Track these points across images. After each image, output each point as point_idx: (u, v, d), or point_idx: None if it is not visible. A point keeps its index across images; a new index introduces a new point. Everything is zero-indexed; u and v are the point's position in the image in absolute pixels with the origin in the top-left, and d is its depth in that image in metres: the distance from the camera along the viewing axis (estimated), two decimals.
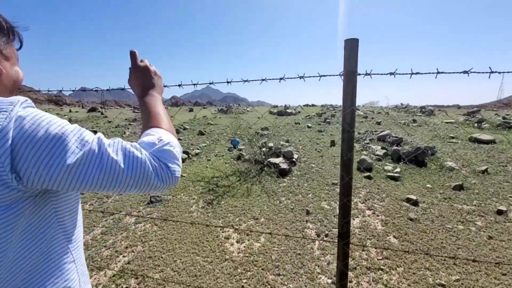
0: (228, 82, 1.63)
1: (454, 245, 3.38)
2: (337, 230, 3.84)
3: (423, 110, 15.04)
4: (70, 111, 20.71)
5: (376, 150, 7.01)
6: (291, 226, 3.87)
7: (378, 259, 3.12)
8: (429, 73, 1.34)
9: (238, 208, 4.41)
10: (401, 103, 18.83)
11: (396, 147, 6.77)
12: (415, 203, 4.47)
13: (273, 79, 1.55)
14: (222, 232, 3.73)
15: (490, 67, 1.29)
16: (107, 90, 1.88)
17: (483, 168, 5.94)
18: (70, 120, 14.47)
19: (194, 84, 1.68)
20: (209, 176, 5.93)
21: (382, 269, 2.94)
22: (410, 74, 1.38)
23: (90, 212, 4.39)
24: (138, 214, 4.30)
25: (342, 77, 1.34)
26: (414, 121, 11.74)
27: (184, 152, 7.51)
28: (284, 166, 6.08)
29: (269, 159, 6.39)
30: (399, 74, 1.40)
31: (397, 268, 2.96)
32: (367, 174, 5.78)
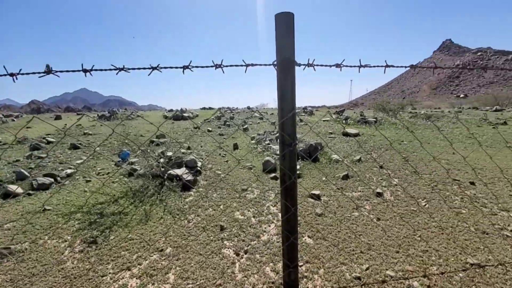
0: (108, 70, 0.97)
1: (356, 232, 3.70)
2: (255, 242, 3.58)
3: (305, 110, 17.37)
4: None
5: (277, 150, 7.31)
6: (205, 250, 3.31)
7: (299, 266, 3.01)
8: (377, 66, 1.14)
9: (135, 241, 3.48)
10: None
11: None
12: (318, 197, 4.78)
13: (175, 67, 1.01)
14: (114, 281, 2.78)
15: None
16: None
17: (357, 157, 7.13)
18: None
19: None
20: (90, 204, 4.55)
21: (306, 277, 2.83)
22: (358, 66, 1.14)
23: None
24: None
25: (276, 67, 0.95)
26: (301, 120, 13.28)
27: (47, 174, 5.59)
28: (188, 177, 5.40)
29: (169, 171, 5.55)
30: (347, 66, 1.14)
31: (318, 271, 2.92)
32: (272, 175, 5.87)
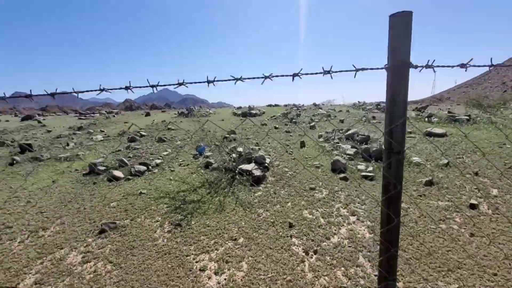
0: (208, 82, 1.10)
1: (443, 247, 3.25)
2: (325, 243, 3.51)
3: (379, 107, 15.92)
4: None
5: (347, 150, 6.95)
6: (274, 244, 3.42)
7: (374, 275, 2.83)
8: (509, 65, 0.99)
9: (212, 228, 3.83)
10: (358, 101, 19.84)
11: (365, 145, 6.78)
12: None
13: (285, 75, 1.06)
14: (196, 262, 3.13)
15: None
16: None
17: (444, 162, 6.20)
18: None
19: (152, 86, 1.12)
20: (174, 191, 5.21)
21: None
22: (488, 66, 1.01)
23: (21, 252, 3.42)
24: (86, 249, 3.45)
25: (387, 71, 0.91)
26: (374, 117, 12.25)
27: (142, 163, 6.61)
28: (257, 173, 5.62)
29: (240, 166, 5.88)
30: (475, 66, 1.02)
31: (398, 285, 2.69)
32: (342, 175, 5.62)
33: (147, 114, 18.02)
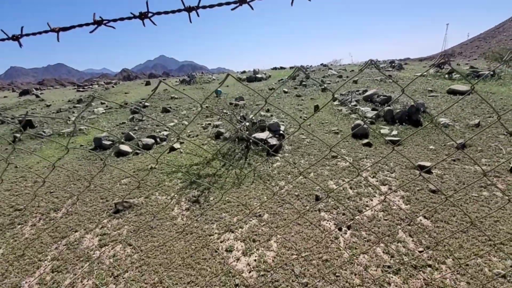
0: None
1: (490, 218, 2.95)
2: (357, 217, 3.25)
3: (393, 65, 14.90)
4: None
5: (366, 112, 6.46)
6: (303, 219, 3.15)
7: (419, 252, 2.57)
8: None
9: (233, 204, 3.56)
10: (370, 59, 18.51)
11: (388, 107, 6.26)
12: (427, 170, 4.01)
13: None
14: (221, 242, 2.90)
15: None
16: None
17: (475, 121, 5.71)
18: None
19: None
20: (187, 164, 4.91)
21: (430, 266, 2.39)
22: None
23: (33, 237, 3.23)
24: (102, 231, 3.24)
25: None
26: (390, 76, 11.44)
27: (149, 136, 6.26)
28: (273, 141, 5.25)
29: (254, 135, 5.50)
30: None
31: (446, 261, 2.43)
32: (365, 141, 5.21)
33: (147, 83, 17.27)
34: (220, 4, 0.62)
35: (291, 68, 18.90)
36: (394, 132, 5.45)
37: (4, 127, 8.82)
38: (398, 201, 3.39)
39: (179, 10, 0.62)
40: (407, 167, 4.19)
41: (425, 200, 3.31)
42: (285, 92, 10.40)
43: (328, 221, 3.11)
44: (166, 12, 0.63)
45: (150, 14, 0.62)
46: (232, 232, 3.04)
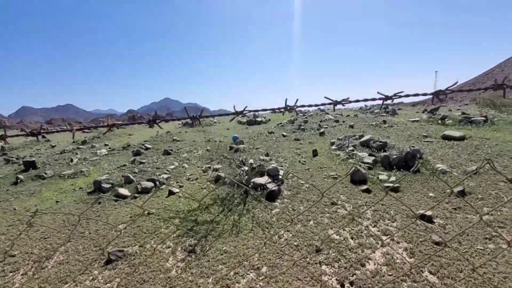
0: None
1: (498, 274, 2.83)
2: (360, 271, 3.09)
3: (387, 110, 15.51)
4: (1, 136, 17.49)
5: (364, 158, 6.56)
6: (303, 274, 3.02)
7: None
8: None
9: (230, 255, 3.44)
10: (365, 105, 19.41)
11: (384, 153, 6.38)
12: (429, 219, 3.95)
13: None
14: None
15: None
16: None
17: (473, 168, 5.78)
18: (2, 148, 11.97)
19: None
20: (185, 210, 4.84)
21: None
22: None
23: (23, 287, 3.06)
24: (92, 284, 3.08)
25: None
26: (384, 122, 11.84)
27: (149, 179, 6.27)
28: (272, 186, 5.24)
29: (253, 180, 5.51)
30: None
31: None
32: (364, 187, 5.21)
33: (150, 126, 17.73)
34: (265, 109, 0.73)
35: (289, 111, 19.59)
36: (393, 178, 5.48)
37: (9, 167, 8.88)
38: (402, 253, 3.28)
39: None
40: (408, 216, 4.13)
41: (429, 253, 3.21)
42: (284, 136, 10.66)
43: (329, 276, 2.97)
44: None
45: (158, 121, 0.72)
46: (229, 287, 2.88)
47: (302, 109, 20.01)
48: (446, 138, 8.62)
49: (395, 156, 6.14)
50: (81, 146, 11.14)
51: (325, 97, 1.12)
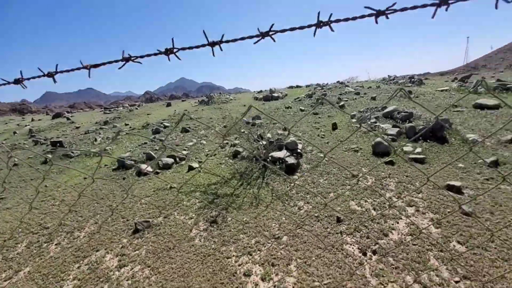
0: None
1: None
2: (383, 241, 3.05)
3: (412, 80, 14.58)
4: (32, 119, 18.50)
5: (387, 129, 6.27)
6: (324, 243, 3.01)
7: (455, 282, 2.34)
8: None
9: (251, 225, 3.49)
10: (388, 75, 18.34)
11: (409, 123, 6.05)
12: (458, 190, 3.75)
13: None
14: (239, 265, 2.81)
15: None
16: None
17: (508, 137, 5.36)
18: (30, 131, 12.68)
19: None
20: (205, 184, 4.93)
21: None
22: None
23: (58, 256, 3.31)
24: (122, 251, 3.27)
25: None
26: (410, 92, 11.16)
27: (169, 156, 6.41)
28: (291, 160, 5.18)
29: (271, 154, 5.47)
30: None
31: None
32: (387, 159, 5.02)
33: (168, 105, 18.00)
34: (243, 38, 0.64)
35: (307, 86, 19.01)
36: (418, 150, 5.22)
37: (38, 147, 9.43)
38: (427, 223, 3.17)
39: (203, 45, 0.64)
40: (434, 187, 3.95)
41: (457, 224, 3.07)
42: (302, 110, 10.40)
43: (351, 245, 2.95)
44: (190, 48, 0.66)
45: (175, 50, 0.65)
46: (250, 255, 2.95)
47: (320, 82, 19.29)
48: (479, 107, 8.00)
49: (421, 127, 5.81)
50: (103, 126, 11.55)
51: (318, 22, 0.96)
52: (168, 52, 0.65)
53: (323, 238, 3.10)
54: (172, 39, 0.67)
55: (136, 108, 18.07)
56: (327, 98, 12.19)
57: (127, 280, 2.77)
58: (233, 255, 2.97)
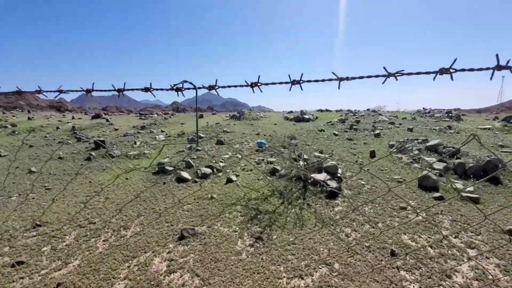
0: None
1: None
2: (447, 282, 2.83)
3: (450, 115, 14.08)
4: (73, 117, 19.77)
5: (433, 163, 6.02)
6: (380, 277, 2.86)
7: None
8: None
9: (298, 247, 3.41)
10: (423, 108, 17.86)
11: (457, 160, 5.78)
12: None
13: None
14: (291, 287, 2.73)
15: None
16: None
17: None
18: (73, 128, 13.53)
19: None
20: (245, 198, 4.94)
21: None
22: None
23: (107, 253, 3.40)
24: (169, 256, 3.30)
25: None
26: (449, 127, 10.76)
27: (207, 166, 6.53)
28: (332, 184, 5.09)
29: (312, 175, 5.41)
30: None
31: None
32: (436, 194, 4.79)
33: (201, 116, 18.58)
34: (274, 83, 0.80)
35: (337, 111, 18.94)
36: (470, 188, 4.94)
37: (80, 144, 10.00)
38: (494, 269, 2.93)
39: (241, 86, 0.83)
40: (495, 231, 3.68)
41: None
42: (336, 135, 10.30)
43: (411, 283, 2.77)
44: (234, 86, 0.77)
45: (259, 84, 0.79)
46: (302, 278, 2.86)
47: (352, 109, 19.14)
48: None
49: (471, 164, 5.53)
50: (141, 131, 12.08)
51: (332, 73, 1.07)
52: (253, 85, 0.82)
53: (379, 271, 2.95)
54: (259, 76, 0.82)
55: (170, 117, 18.80)
56: (360, 124, 12.03)
57: (177, 287, 2.77)
58: (284, 276, 2.89)
